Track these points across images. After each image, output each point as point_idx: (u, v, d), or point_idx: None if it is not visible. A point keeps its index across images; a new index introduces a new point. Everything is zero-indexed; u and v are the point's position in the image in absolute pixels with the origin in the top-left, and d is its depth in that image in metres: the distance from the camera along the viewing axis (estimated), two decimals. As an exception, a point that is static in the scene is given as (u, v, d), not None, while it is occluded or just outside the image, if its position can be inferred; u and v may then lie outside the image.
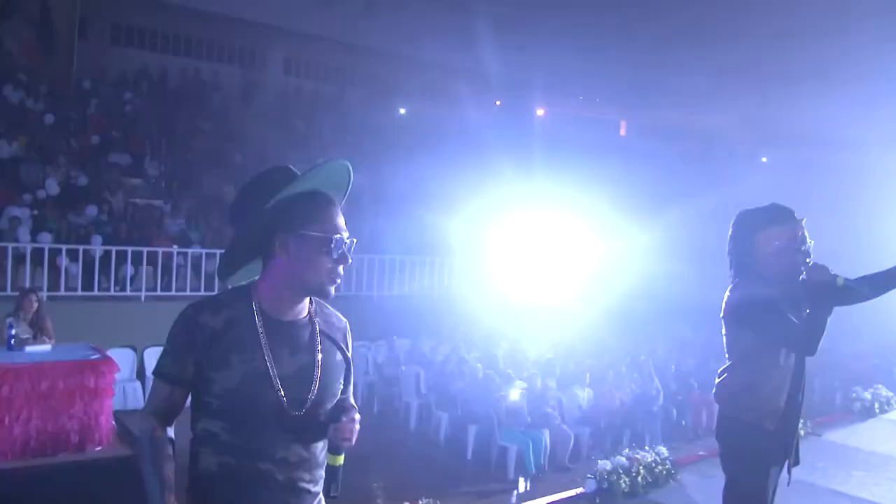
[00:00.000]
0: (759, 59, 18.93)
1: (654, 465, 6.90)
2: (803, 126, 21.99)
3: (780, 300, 3.04)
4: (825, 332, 2.92)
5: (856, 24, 17.43)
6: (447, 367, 8.94)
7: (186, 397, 1.96)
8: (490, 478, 7.23)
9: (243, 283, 2.04)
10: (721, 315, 3.23)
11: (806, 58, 18.50)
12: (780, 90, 20.42)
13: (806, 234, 3.13)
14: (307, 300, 2.02)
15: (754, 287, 3.10)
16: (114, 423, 6.17)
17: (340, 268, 1.93)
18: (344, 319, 2.15)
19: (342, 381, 2.07)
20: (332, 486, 2.01)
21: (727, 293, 3.22)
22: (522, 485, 7.09)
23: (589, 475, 6.78)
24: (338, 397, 2.03)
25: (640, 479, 6.71)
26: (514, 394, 7.69)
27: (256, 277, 2.02)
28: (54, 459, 5.63)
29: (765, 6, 16.11)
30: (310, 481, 1.97)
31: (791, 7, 16.77)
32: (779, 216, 3.14)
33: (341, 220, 1.94)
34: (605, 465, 6.74)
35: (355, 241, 1.94)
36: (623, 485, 6.57)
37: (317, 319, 2.03)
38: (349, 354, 2.11)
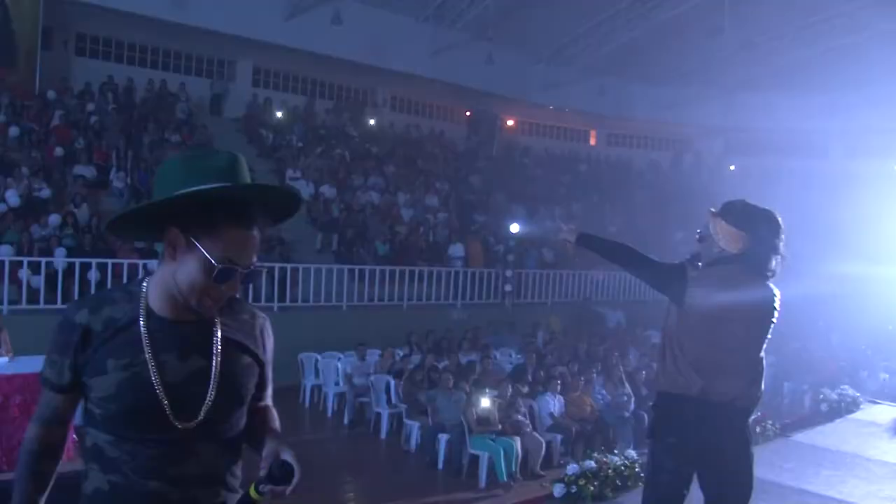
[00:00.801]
0: (726, 67, 19.23)
1: (622, 468, 6.88)
2: (770, 134, 22.34)
3: None
4: None
5: (822, 35, 17.82)
6: (417, 376, 8.89)
7: (73, 404, 1.79)
8: (461, 486, 7.17)
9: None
10: (774, 316, 3.24)
11: (773, 66, 18.84)
12: (747, 98, 20.74)
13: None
14: None
15: None
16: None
17: (222, 295, 1.71)
18: (261, 315, 1.90)
19: (252, 387, 1.84)
20: None
21: (777, 293, 3.22)
22: (494, 493, 7.03)
23: (557, 479, 6.76)
24: (246, 404, 1.83)
25: (608, 482, 6.70)
26: (485, 402, 7.65)
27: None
28: (11, 475, 5.49)
29: (732, 15, 16.38)
30: (213, 500, 1.76)
31: (758, 17, 17.08)
32: None
33: (245, 250, 1.68)
34: (573, 469, 6.71)
35: (264, 271, 1.77)
36: (591, 489, 6.54)
37: (219, 319, 1.77)
38: (266, 355, 1.89)
